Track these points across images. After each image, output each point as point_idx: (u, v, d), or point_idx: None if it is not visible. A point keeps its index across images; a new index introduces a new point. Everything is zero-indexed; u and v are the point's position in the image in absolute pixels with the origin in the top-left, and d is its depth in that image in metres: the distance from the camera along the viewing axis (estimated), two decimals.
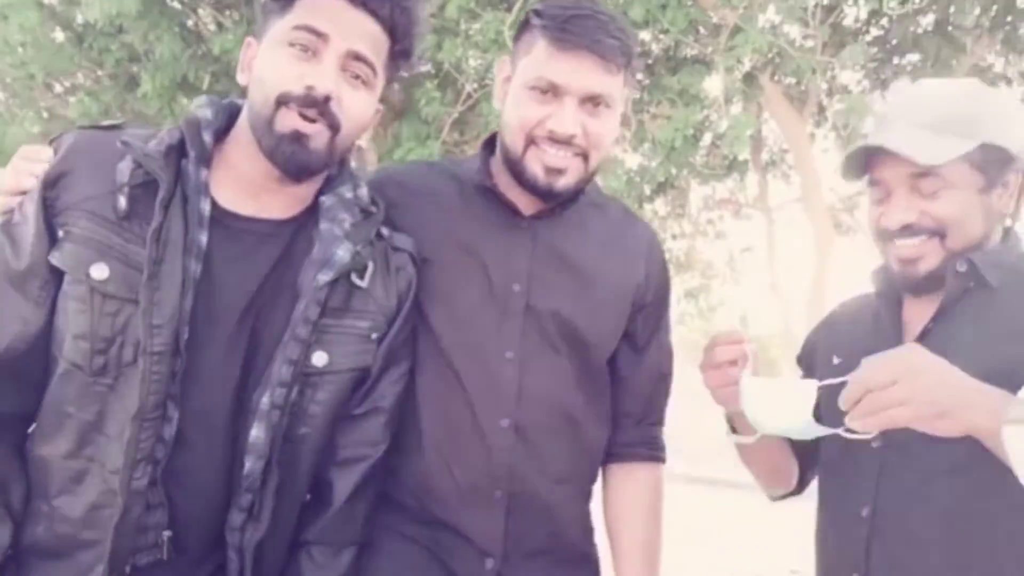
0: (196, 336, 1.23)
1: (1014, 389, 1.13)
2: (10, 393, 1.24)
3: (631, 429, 1.60)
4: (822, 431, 1.28)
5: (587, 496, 1.59)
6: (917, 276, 1.36)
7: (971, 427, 1.12)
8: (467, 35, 5.75)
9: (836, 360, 1.49)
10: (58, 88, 7.37)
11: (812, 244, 7.92)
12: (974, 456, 1.15)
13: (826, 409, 1.31)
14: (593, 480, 1.59)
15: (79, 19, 6.39)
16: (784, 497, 1.70)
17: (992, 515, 1.23)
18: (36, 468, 1.25)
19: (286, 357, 1.25)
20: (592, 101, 1.42)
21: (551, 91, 1.41)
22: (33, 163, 1.25)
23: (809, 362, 1.64)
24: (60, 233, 1.21)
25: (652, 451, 1.61)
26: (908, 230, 1.35)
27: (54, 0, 6.51)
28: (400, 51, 1.35)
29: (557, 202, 1.50)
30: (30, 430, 1.26)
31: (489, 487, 1.45)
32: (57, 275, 1.22)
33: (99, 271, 1.19)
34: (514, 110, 1.45)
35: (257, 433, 1.25)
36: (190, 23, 6.64)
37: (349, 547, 1.39)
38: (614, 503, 1.61)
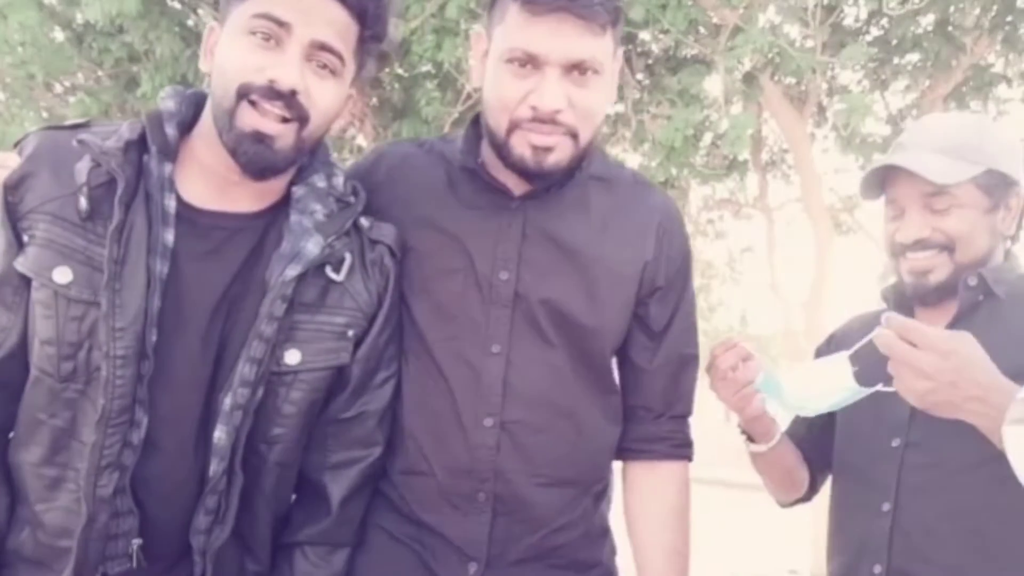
0: (165, 338, 1.19)
1: None
2: (8, 399, 1.22)
3: (649, 423, 1.47)
4: (865, 392, 1.34)
5: (593, 498, 1.47)
6: (928, 287, 1.49)
7: (1001, 415, 1.15)
8: (467, 35, 5.74)
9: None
10: (58, 88, 7.36)
11: (812, 244, 7.90)
12: (991, 452, 1.19)
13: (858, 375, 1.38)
14: (600, 481, 1.48)
15: (79, 19, 6.38)
16: (795, 503, 1.73)
17: (1010, 508, 1.28)
18: (17, 475, 1.22)
19: (249, 356, 1.20)
20: (577, 68, 1.28)
21: (530, 62, 1.27)
22: (1, 169, 1.21)
23: None
24: (25, 238, 1.18)
25: (675, 447, 1.48)
26: (920, 244, 1.48)
27: (54, 0, 6.50)
28: (371, 36, 1.27)
29: (549, 183, 1.39)
30: (10, 436, 1.24)
31: (472, 489, 1.37)
32: (28, 281, 1.18)
33: (62, 275, 1.16)
34: (493, 89, 1.33)
35: (219, 435, 1.20)
36: (190, 23, 6.62)
37: (344, 548, 1.36)
38: (632, 505, 1.48)
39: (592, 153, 1.45)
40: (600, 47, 1.29)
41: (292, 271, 1.22)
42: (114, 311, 1.14)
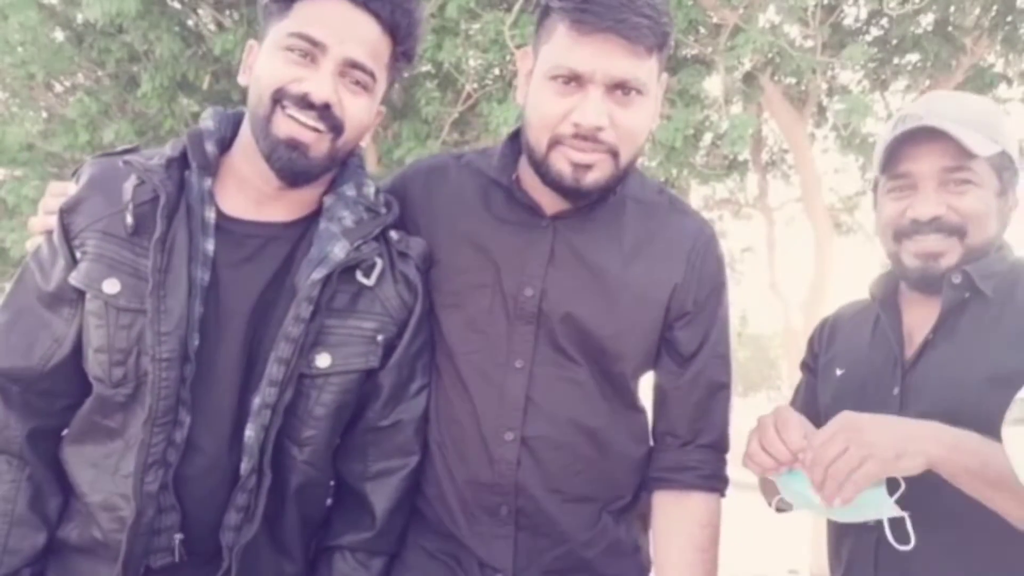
0: (206, 341, 1.25)
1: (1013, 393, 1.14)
2: (44, 410, 1.30)
3: (675, 451, 1.42)
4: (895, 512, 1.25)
5: (614, 515, 1.43)
6: (937, 271, 1.39)
7: (928, 459, 1.19)
8: (467, 35, 5.74)
9: (839, 372, 1.51)
10: (58, 88, 7.37)
11: (812, 244, 7.91)
12: None
13: None
14: (620, 498, 1.44)
15: (79, 19, 6.39)
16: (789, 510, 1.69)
17: (997, 521, 1.23)
18: (72, 470, 1.30)
19: (277, 356, 1.25)
20: (620, 88, 1.28)
21: (574, 80, 1.27)
22: (58, 197, 1.30)
23: (813, 368, 1.63)
24: (78, 255, 1.26)
25: (703, 478, 1.40)
26: (935, 223, 1.38)
27: (54, 0, 6.50)
28: (402, 53, 1.33)
29: (586, 202, 1.38)
30: (64, 432, 1.32)
31: (494, 503, 1.37)
32: (82, 295, 1.26)
33: (111, 286, 1.23)
34: (536, 105, 1.33)
35: (249, 433, 1.25)
36: (190, 23, 6.64)
37: (384, 555, 1.39)
38: (657, 536, 1.43)
39: (631, 174, 1.43)
40: (644, 68, 1.28)
41: (318, 274, 1.26)
42: (159, 316, 1.21)
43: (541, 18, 1.35)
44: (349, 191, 1.35)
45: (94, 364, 1.25)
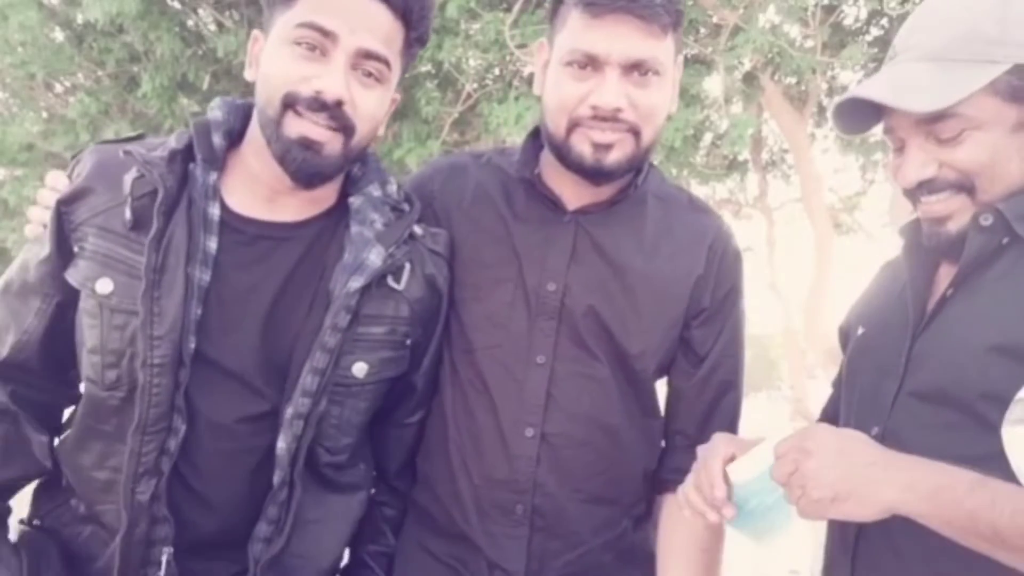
0: (210, 346, 1.19)
1: (1018, 371, 1.01)
2: (41, 385, 1.29)
3: (682, 452, 1.41)
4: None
5: (633, 520, 1.43)
6: (949, 237, 1.15)
7: (882, 507, 0.99)
8: (467, 35, 5.74)
9: (861, 331, 1.34)
10: (58, 88, 7.36)
11: (812, 244, 7.91)
12: (975, 453, 1.05)
13: None
14: (640, 503, 1.43)
15: (79, 19, 6.38)
16: None
17: None
18: (76, 477, 1.26)
19: (313, 367, 1.19)
20: (637, 69, 1.27)
21: (590, 64, 1.27)
22: (54, 191, 1.26)
23: (846, 334, 1.43)
24: (75, 249, 1.21)
25: None
26: (925, 187, 1.14)
27: (54, 0, 6.50)
28: (416, 38, 1.27)
29: (608, 183, 1.36)
30: (64, 437, 1.29)
31: (510, 501, 1.35)
32: (58, 291, 1.23)
33: (104, 285, 1.18)
34: (553, 91, 1.32)
35: (281, 445, 1.20)
36: (190, 23, 6.63)
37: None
38: (661, 540, 1.42)
39: (652, 170, 1.44)
40: (661, 48, 1.27)
41: (356, 283, 1.21)
42: (152, 320, 1.15)
43: (554, 8, 1.34)
44: (375, 191, 1.30)
45: (87, 365, 1.20)
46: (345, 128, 1.20)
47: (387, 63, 1.21)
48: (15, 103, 7.49)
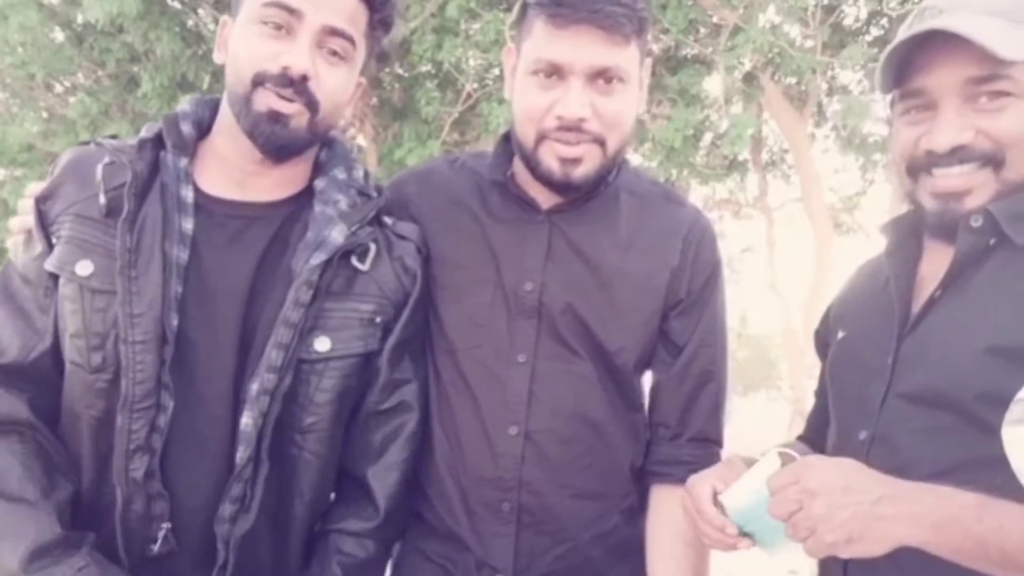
0: (190, 323, 1.22)
1: (1015, 372, 0.99)
2: (43, 396, 1.26)
3: (665, 445, 1.42)
4: None
5: (623, 515, 1.43)
6: (960, 213, 1.10)
7: (893, 544, 0.97)
8: (467, 35, 5.75)
9: (841, 334, 1.32)
10: (58, 88, 7.37)
11: (812, 244, 7.92)
12: (968, 456, 1.04)
13: None
14: (628, 496, 1.44)
15: (79, 19, 6.39)
16: None
17: None
18: (74, 463, 1.26)
19: (277, 342, 1.22)
20: (602, 76, 1.28)
21: (555, 73, 1.29)
22: (33, 195, 1.28)
23: (824, 338, 1.43)
24: (54, 240, 1.24)
25: (692, 472, 1.34)
26: (958, 154, 1.09)
27: (54, 0, 6.51)
28: (379, 20, 1.30)
29: (578, 195, 1.39)
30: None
31: (496, 499, 1.36)
32: (57, 280, 1.23)
33: (84, 267, 1.21)
34: (520, 101, 1.34)
35: (246, 420, 1.21)
36: (190, 23, 6.63)
37: (385, 542, 1.37)
38: (648, 530, 1.42)
39: (624, 166, 1.45)
40: (624, 56, 1.29)
41: (317, 259, 1.25)
42: (130, 298, 1.18)
43: (521, 14, 1.37)
44: (340, 174, 1.34)
45: (72, 350, 1.21)
46: (310, 103, 1.24)
47: (352, 41, 1.26)
48: (15, 103, 7.50)
